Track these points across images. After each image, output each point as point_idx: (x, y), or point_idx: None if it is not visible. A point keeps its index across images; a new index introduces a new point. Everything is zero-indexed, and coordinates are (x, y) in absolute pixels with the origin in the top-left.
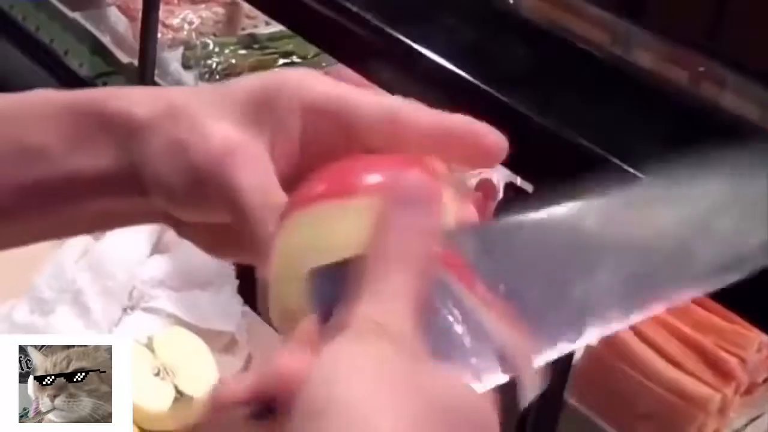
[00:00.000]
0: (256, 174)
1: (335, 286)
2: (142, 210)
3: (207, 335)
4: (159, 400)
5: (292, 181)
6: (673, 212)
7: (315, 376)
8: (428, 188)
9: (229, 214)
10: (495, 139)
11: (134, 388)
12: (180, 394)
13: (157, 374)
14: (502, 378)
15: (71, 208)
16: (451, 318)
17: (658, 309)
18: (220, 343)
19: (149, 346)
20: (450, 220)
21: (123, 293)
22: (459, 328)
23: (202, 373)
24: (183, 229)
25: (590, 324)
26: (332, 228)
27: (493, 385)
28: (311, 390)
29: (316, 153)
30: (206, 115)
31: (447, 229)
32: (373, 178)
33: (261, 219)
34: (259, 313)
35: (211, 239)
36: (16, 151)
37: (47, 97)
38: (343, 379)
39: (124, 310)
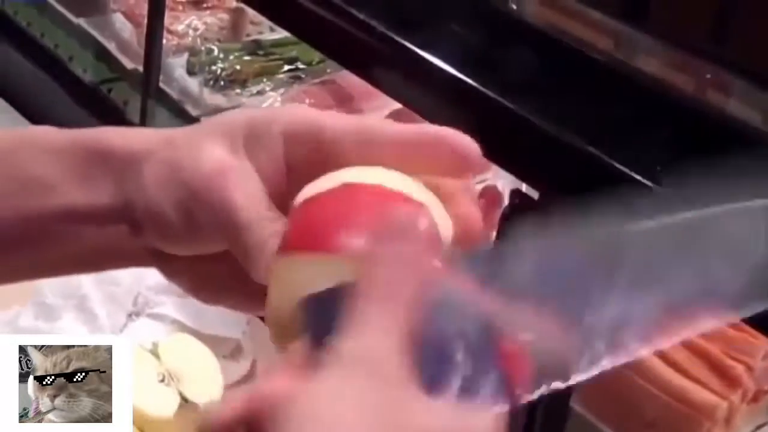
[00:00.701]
0: (247, 191)
1: (328, 312)
2: (132, 250)
3: (212, 341)
4: (164, 407)
5: (281, 201)
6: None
7: (293, 411)
8: (413, 221)
9: (221, 234)
10: (467, 145)
11: (139, 394)
12: (185, 401)
13: (162, 380)
14: (503, 408)
15: (65, 244)
16: (452, 345)
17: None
18: (225, 349)
19: (154, 352)
20: (447, 236)
21: (128, 299)
22: (460, 356)
23: (207, 379)
24: (170, 271)
25: (605, 353)
26: (321, 277)
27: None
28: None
29: (301, 174)
30: (201, 142)
31: (449, 252)
32: (360, 229)
33: (255, 232)
34: (263, 320)
35: (198, 283)
36: (16, 183)
37: (50, 132)
38: (322, 414)
39: (129, 316)
